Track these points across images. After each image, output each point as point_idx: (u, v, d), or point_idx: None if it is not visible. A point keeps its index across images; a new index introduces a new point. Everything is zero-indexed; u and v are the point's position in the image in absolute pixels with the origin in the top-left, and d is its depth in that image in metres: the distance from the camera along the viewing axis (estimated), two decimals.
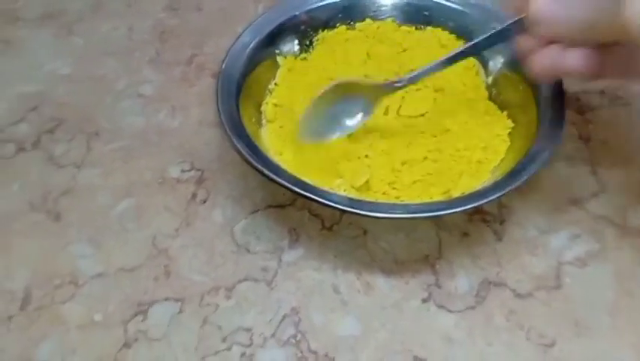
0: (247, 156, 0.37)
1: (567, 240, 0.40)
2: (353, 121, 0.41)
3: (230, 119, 0.39)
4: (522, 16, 0.36)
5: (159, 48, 0.53)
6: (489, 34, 0.38)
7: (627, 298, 0.37)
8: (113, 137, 0.46)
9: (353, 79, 0.42)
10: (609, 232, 0.40)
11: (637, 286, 0.38)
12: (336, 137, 0.41)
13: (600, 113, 0.47)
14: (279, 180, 0.36)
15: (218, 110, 0.39)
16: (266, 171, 0.36)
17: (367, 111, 0.41)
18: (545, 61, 0.35)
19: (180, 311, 0.37)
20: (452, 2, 0.47)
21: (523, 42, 0.37)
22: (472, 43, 0.39)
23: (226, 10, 0.56)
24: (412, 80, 0.40)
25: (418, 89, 0.45)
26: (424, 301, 0.38)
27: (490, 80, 0.46)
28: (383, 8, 0.49)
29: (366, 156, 0.40)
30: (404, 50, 0.47)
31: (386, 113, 0.44)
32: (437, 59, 0.39)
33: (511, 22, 0.37)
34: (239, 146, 0.37)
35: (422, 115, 0.43)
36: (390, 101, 0.43)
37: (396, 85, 0.41)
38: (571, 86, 0.48)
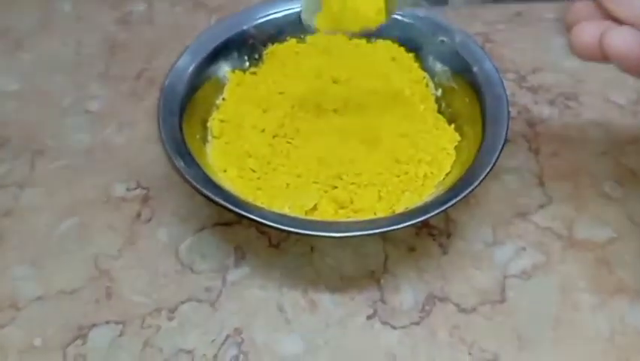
0: (185, 174, 0.36)
1: (512, 253, 0.40)
2: None
3: (172, 137, 0.39)
4: None
5: (108, 62, 0.52)
6: None
7: (571, 311, 0.38)
8: (58, 155, 0.46)
9: None
10: (555, 244, 0.40)
11: (581, 299, 0.38)
12: None
13: (550, 124, 0.47)
14: (219, 200, 0.35)
15: (159, 127, 0.39)
16: (205, 191, 0.36)
17: None
18: (591, 33, 0.29)
19: (121, 334, 0.37)
20: (401, 15, 0.47)
21: (576, 10, 0.31)
22: None
23: (178, 23, 0.56)
24: None
25: (367, 94, 0.44)
26: (369, 317, 0.37)
27: (439, 92, 0.46)
28: None
29: (315, 182, 0.40)
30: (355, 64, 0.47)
31: (335, 111, 0.43)
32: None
33: None
34: (178, 165, 0.37)
35: (366, 122, 0.43)
36: (338, 100, 0.43)
37: None
38: (521, 98, 0.49)
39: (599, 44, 0.29)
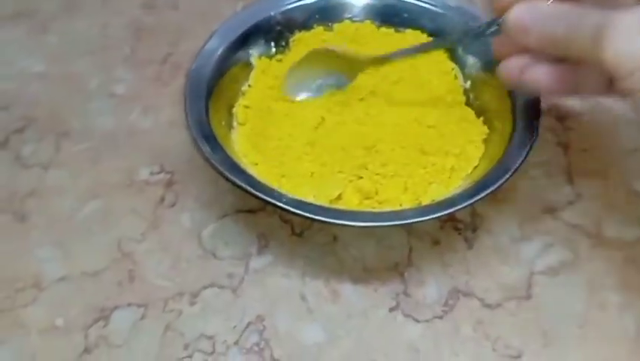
0: (211, 160, 0.36)
1: (539, 249, 0.39)
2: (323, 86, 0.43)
3: (198, 122, 0.39)
4: (496, 19, 0.35)
5: (134, 46, 0.52)
6: (466, 29, 0.38)
7: (598, 309, 0.37)
8: (82, 137, 0.46)
9: (331, 48, 0.43)
10: (583, 242, 0.40)
11: (608, 297, 0.37)
12: (303, 97, 0.43)
13: (581, 120, 0.47)
14: (244, 185, 0.35)
15: (186, 112, 0.39)
16: (230, 176, 0.35)
17: (341, 83, 0.43)
18: (514, 68, 0.34)
19: (143, 317, 0.37)
20: (431, 5, 0.47)
21: (498, 44, 0.36)
22: (451, 36, 0.40)
23: (204, 8, 0.55)
24: (388, 58, 0.41)
25: (394, 84, 0.44)
26: (391, 310, 0.37)
27: (468, 84, 0.45)
28: (361, 10, 0.48)
29: (340, 172, 0.39)
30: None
31: (362, 100, 0.43)
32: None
33: (486, 22, 0.36)
34: (204, 149, 0.37)
35: (393, 113, 0.42)
36: (365, 89, 0.43)
37: (374, 60, 0.42)
38: None
39: (523, 77, 0.34)
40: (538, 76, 0.33)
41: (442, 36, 0.46)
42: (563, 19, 0.30)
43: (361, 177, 0.39)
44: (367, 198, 0.39)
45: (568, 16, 0.30)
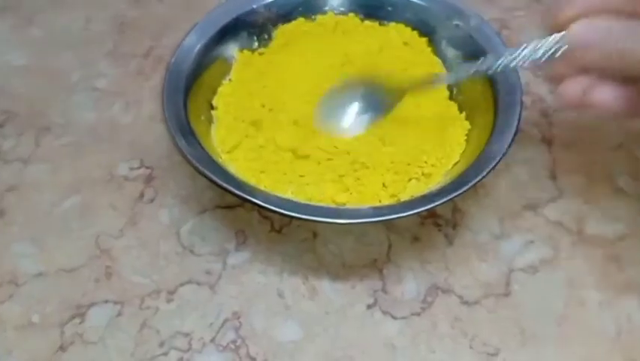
0: (188, 155, 0.36)
1: (520, 246, 0.39)
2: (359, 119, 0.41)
3: (176, 117, 0.38)
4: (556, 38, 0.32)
5: (117, 40, 0.52)
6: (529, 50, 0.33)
7: (577, 307, 0.37)
8: (63, 132, 0.45)
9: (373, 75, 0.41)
10: (564, 239, 0.39)
11: (587, 295, 0.37)
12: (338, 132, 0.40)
13: (565, 116, 0.46)
14: (218, 181, 0.35)
15: (163, 107, 0.38)
16: (206, 172, 0.35)
17: (380, 111, 0.41)
18: (576, 90, 0.32)
19: (119, 314, 0.37)
20: None
21: (557, 66, 0.33)
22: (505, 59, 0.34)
23: (189, 2, 0.55)
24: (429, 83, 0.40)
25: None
26: (369, 306, 0.37)
27: None
28: (345, 2, 0.47)
29: (319, 168, 0.39)
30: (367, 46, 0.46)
31: None
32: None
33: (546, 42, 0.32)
34: (180, 144, 0.36)
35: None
36: None
37: (424, 84, 0.40)
38: (536, 87, 0.47)
39: (586, 98, 0.32)
40: (605, 96, 0.31)
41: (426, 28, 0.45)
42: (631, 33, 0.29)
43: (341, 175, 0.39)
44: (346, 194, 0.38)
45: (636, 30, 0.29)
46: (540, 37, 0.32)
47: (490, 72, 0.35)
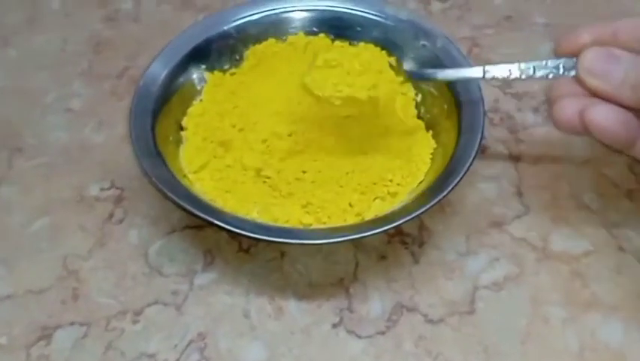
0: (151, 175, 0.36)
1: (485, 263, 0.39)
2: None
3: (142, 138, 0.39)
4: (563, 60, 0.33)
5: (92, 60, 0.52)
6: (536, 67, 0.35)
7: (541, 324, 0.37)
8: (36, 153, 0.46)
9: None
10: (528, 255, 0.40)
11: (551, 312, 0.37)
12: None
13: (533, 132, 0.47)
14: (178, 200, 0.35)
15: (130, 128, 0.39)
16: (168, 193, 0.35)
17: None
18: (572, 109, 0.31)
19: (85, 336, 0.37)
20: (383, 18, 0.47)
21: (557, 86, 0.34)
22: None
23: (165, 21, 0.55)
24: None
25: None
26: (335, 326, 0.37)
27: (419, 97, 0.45)
28: (315, 23, 0.48)
29: (278, 188, 0.39)
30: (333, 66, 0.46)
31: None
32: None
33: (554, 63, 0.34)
34: (144, 165, 0.37)
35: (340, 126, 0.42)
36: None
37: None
38: (505, 104, 0.48)
39: (580, 120, 0.31)
40: (602, 117, 0.30)
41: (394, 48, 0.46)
42: None
43: (307, 197, 0.39)
44: (313, 215, 0.39)
45: None
46: (549, 58, 0.34)
47: (487, 79, 0.37)
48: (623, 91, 0.30)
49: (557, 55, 0.34)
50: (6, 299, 0.38)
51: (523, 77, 0.35)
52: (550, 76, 0.34)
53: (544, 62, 0.34)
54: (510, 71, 0.36)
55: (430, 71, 0.42)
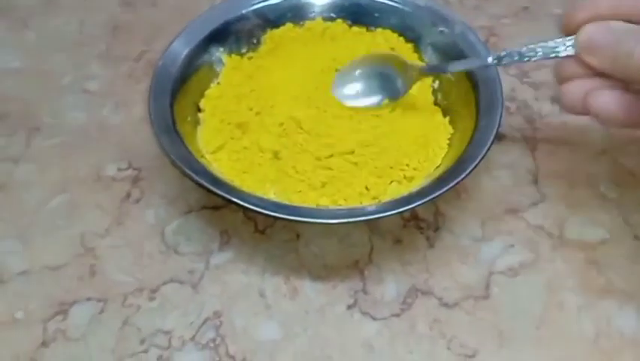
0: (170, 154, 0.36)
1: (500, 249, 0.39)
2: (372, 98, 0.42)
3: (162, 118, 0.39)
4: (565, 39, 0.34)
5: (110, 43, 0.52)
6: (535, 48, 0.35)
7: (555, 310, 0.37)
8: (53, 132, 0.46)
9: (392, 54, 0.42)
10: (544, 242, 0.40)
11: (566, 298, 0.37)
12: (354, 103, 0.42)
13: (550, 121, 0.47)
14: (200, 180, 0.35)
15: (149, 108, 0.39)
16: (187, 171, 0.36)
17: (396, 92, 0.42)
18: (577, 92, 0.32)
19: (101, 311, 0.37)
20: (400, 4, 0.47)
21: (564, 67, 0.34)
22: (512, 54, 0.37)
23: (182, 5, 0.56)
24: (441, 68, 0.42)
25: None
26: (349, 307, 0.37)
27: (436, 84, 0.45)
28: (333, 9, 0.48)
29: (301, 171, 0.39)
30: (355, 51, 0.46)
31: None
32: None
33: (555, 41, 0.34)
34: (163, 143, 0.37)
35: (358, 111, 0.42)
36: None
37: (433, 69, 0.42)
38: (522, 93, 0.48)
39: (587, 102, 0.31)
40: (605, 101, 0.31)
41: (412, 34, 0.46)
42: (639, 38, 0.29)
43: (323, 178, 0.39)
44: (329, 197, 0.39)
45: None
46: (552, 38, 0.34)
47: (499, 65, 0.38)
48: (618, 64, 0.30)
49: (565, 33, 0.34)
50: (23, 275, 0.39)
51: (533, 59, 0.36)
52: (552, 56, 0.34)
53: (548, 43, 0.35)
54: (519, 53, 0.36)
55: (440, 65, 0.42)
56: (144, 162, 0.44)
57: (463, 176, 0.36)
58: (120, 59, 0.51)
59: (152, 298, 0.37)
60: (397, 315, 0.37)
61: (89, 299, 0.37)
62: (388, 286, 0.38)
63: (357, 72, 0.43)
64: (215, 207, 0.42)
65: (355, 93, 0.43)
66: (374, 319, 0.37)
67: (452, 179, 0.36)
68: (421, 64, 0.44)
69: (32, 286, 0.38)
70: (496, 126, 0.38)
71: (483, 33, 0.52)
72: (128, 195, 0.42)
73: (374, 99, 0.43)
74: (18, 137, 0.46)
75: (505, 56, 0.37)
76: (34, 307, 0.37)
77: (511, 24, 0.53)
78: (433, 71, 0.43)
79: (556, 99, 0.48)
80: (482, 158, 0.36)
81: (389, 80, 0.42)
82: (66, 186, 0.43)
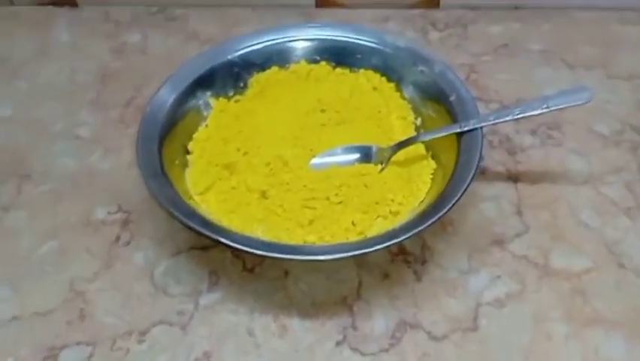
0: (157, 196, 0.37)
1: (487, 281, 0.40)
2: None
3: (149, 161, 0.40)
4: None
5: (100, 90, 0.54)
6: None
7: (543, 340, 0.37)
8: (44, 179, 0.47)
9: None
10: (530, 273, 0.40)
11: (553, 328, 0.38)
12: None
13: (531, 153, 0.48)
14: (188, 222, 0.36)
15: (137, 151, 0.40)
16: (175, 213, 0.36)
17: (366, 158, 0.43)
18: None
19: (90, 356, 0.37)
20: (382, 45, 0.48)
21: None
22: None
23: (171, 53, 0.57)
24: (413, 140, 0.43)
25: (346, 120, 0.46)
26: (338, 343, 0.37)
27: (419, 121, 0.46)
28: (317, 51, 0.49)
29: (282, 208, 0.40)
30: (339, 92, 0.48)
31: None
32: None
33: None
34: (150, 185, 0.38)
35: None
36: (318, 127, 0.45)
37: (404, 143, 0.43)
38: (503, 127, 0.49)
39: None
40: None
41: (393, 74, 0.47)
42: None
43: (310, 215, 0.40)
44: (316, 234, 0.39)
45: None
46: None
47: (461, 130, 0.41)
48: None
49: None
50: (13, 321, 0.39)
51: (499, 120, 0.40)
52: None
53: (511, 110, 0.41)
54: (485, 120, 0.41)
55: (408, 139, 0.44)
56: (134, 205, 0.45)
57: (446, 210, 0.36)
58: (110, 105, 0.52)
59: (141, 341, 0.38)
60: (386, 350, 0.37)
61: (78, 343, 0.38)
62: (377, 321, 0.38)
63: (337, 150, 0.44)
64: (204, 248, 0.42)
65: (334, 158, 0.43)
66: (363, 355, 0.37)
67: (436, 213, 0.37)
68: (391, 144, 0.44)
69: (23, 331, 0.38)
70: (477, 162, 0.39)
71: (464, 70, 0.53)
72: (118, 238, 0.43)
73: (352, 157, 0.43)
74: (9, 184, 0.46)
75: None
76: (25, 354, 0.37)
77: (491, 61, 0.55)
78: (402, 146, 0.43)
79: (535, 132, 0.49)
80: (464, 191, 0.37)
81: (366, 155, 0.44)
82: (56, 231, 0.43)
